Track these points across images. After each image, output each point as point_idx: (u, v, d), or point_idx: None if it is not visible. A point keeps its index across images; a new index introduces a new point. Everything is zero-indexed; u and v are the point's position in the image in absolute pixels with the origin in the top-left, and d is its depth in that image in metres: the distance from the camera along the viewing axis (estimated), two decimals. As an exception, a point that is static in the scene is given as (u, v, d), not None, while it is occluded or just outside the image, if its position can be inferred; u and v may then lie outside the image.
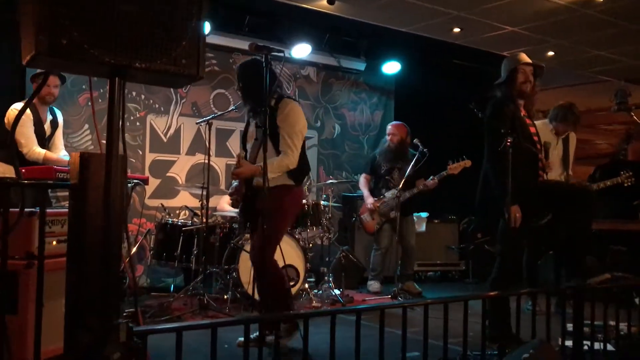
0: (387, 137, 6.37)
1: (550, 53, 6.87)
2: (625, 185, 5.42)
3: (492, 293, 3.31)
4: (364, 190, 6.42)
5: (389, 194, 6.22)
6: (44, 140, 4.81)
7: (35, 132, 4.70)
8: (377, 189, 6.38)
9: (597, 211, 4.24)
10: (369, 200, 6.28)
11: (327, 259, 5.95)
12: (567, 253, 3.84)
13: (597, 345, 3.41)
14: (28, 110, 4.62)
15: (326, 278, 5.80)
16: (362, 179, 6.53)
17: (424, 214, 7.05)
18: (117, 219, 1.88)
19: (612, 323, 3.63)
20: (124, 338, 1.81)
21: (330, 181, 6.17)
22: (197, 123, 5.75)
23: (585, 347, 3.33)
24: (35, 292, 2.16)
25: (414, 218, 6.60)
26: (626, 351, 3.48)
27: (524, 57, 4.01)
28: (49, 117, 4.90)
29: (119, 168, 1.90)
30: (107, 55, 1.74)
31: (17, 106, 4.62)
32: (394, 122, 6.61)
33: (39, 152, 4.62)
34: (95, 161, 1.96)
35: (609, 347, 3.53)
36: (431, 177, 6.04)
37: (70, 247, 1.94)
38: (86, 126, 5.92)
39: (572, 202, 3.80)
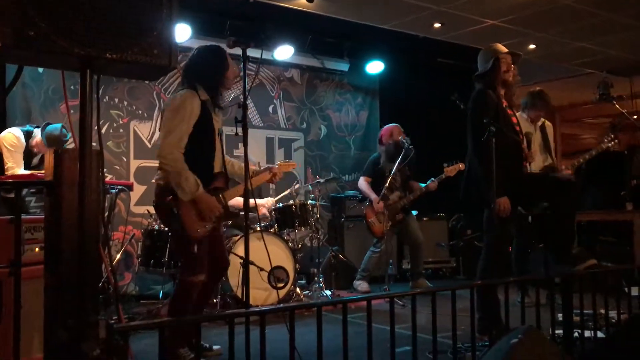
0: (394, 138, 6.16)
1: (532, 46, 6.89)
2: (612, 149, 5.35)
3: (479, 282, 3.29)
4: (370, 194, 6.20)
5: (393, 197, 6.17)
6: (29, 169, 4.94)
7: (24, 159, 4.87)
8: (377, 191, 6.17)
9: (580, 200, 4.27)
10: (379, 205, 6.09)
11: (317, 260, 5.92)
12: (553, 241, 3.85)
13: (587, 333, 3.41)
14: (22, 137, 4.86)
15: (317, 279, 5.77)
16: (364, 182, 6.34)
17: (413, 212, 7.04)
18: (94, 214, 1.85)
19: (602, 311, 3.63)
20: (103, 335, 1.77)
21: (318, 180, 6.15)
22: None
23: (576, 335, 3.32)
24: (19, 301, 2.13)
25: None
26: (616, 337, 3.47)
27: (502, 47, 4.06)
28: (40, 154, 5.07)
29: (94, 163, 1.87)
30: (77, 46, 1.71)
31: (13, 130, 4.85)
32: (395, 124, 6.38)
33: (24, 174, 4.73)
34: (70, 157, 1.93)
35: (600, 334, 3.53)
36: (431, 179, 6.08)
37: (47, 243, 1.90)
38: (68, 135, 5.85)
39: (556, 192, 3.81)
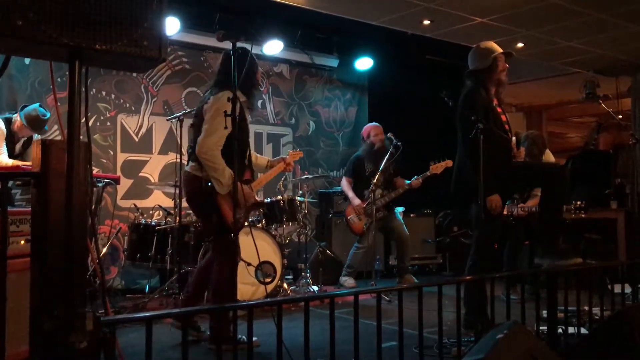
0: (371, 139, 6.34)
1: (520, 44, 6.92)
2: None
3: (466, 277, 3.31)
4: (349, 193, 6.37)
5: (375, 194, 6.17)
6: (13, 157, 4.93)
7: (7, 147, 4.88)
8: (359, 190, 6.32)
9: (569, 192, 4.28)
10: (356, 202, 6.24)
11: (304, 256, 5.92)
12: (540, 233, 3.87)
13: (571, 329, 3.45)
14: (3, 125, 4.87)
15: (304, 274, 5.77)
16: (345, 182, 6.48)
17: (400, 209, 7.06)
18: (81, 206, 1.84)
19: (586, 308, 3.67)
20: (90, 327, 1.76)
21: (306, 176, 6.15)
22: (167, 119, 5.70)
23: (560, 331, 3.36)
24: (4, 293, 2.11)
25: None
26: (599, 334, 3.51)
27: (498, 47, 4.07)
28: (23, 138, 5.06)
29: (82, 154, 1.86)
30: (66, 37, 1.68)
31: None
32: (374, 124, 6.53)
33: (6, 162, 4.73)
34: (57, 148, 1.91)
35: (583, 330, 3.57)
36: (415, 177, 6.12)
37: (34, 235, 1.88)
38: (55, 127, 5.81)
39: (545, 180, 3.83)
